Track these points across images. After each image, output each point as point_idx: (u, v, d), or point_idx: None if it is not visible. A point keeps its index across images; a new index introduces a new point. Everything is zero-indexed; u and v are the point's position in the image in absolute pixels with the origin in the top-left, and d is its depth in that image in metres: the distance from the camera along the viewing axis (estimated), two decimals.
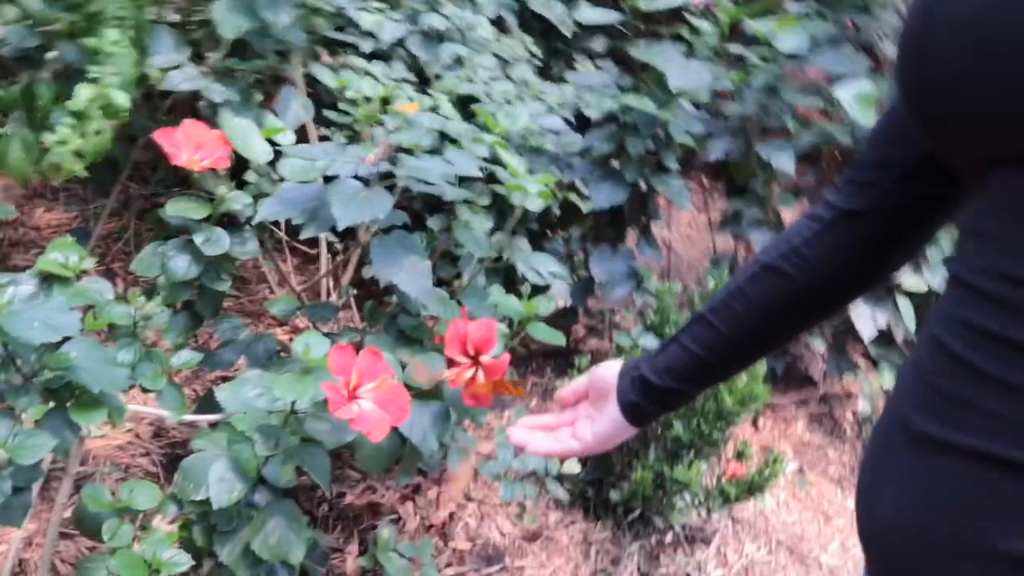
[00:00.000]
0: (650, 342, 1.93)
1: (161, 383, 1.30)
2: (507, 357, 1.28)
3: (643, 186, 1.98)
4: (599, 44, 3.32)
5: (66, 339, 1.08)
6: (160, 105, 1.97)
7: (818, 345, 2.25)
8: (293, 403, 1.13)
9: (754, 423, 2.30)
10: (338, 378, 1.05)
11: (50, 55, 1.57)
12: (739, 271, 0.87)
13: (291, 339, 2.29)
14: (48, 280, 1.29)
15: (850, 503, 2.13)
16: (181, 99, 2.06)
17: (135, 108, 1.78)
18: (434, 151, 1.69)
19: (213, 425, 1.38)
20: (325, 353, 1.12)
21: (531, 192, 1.42)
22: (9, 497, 1.00)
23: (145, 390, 1.29)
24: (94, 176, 1.96)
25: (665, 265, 2.88)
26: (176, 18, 1.94)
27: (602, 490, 1.91)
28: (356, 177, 1.43)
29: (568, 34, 3.17)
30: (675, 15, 2.44)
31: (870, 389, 2.28)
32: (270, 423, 1.15)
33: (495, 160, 1.93)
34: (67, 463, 1.38)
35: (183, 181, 2.27)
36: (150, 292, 1.49)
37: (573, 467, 1.64)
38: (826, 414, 2.46)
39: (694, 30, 2.20)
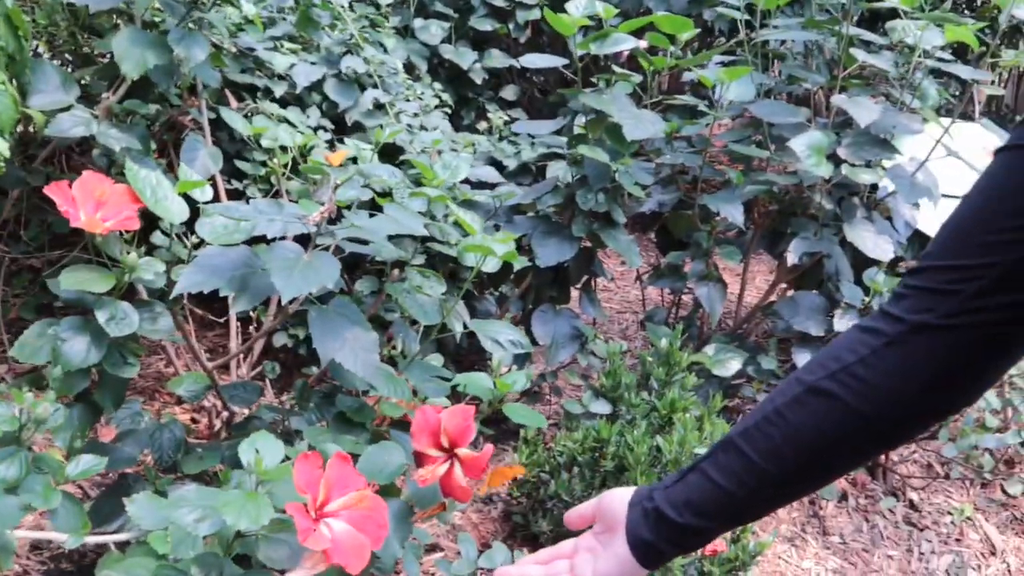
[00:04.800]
0: (602, 408, 1.78)
1: (55, 500, 1.04)
2: (489, 448, 1.10)
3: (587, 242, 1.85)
4: (510, 93, 3.22)
5: None
6: (36, 154, 1.70)
7: None
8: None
9: None
10: (304, 496, 0.84)
11: None
12: (776, 391, 0.73)
13: (192, 419, 2.02)
14: None
15: None
16: (60, 147, 1.79)
17: (8, 156, 1.51)
18: (367, 207, 1.51)
19: (121, 545, 1.13)
20: (279, 462, 0.91)
21: (497, 253, 1.25)
22: None
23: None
24: None
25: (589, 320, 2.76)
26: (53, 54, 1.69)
27: None
28: (284, 238, 1.22)
29: (479, 81, 3.05)
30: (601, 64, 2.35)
31: None
32: (209, 551, 0.92)
33: (430, 216, 1.76)
34: None
35: (60, 241, 1.98)
36: (33, 381, 1.22)
37: None
38: None
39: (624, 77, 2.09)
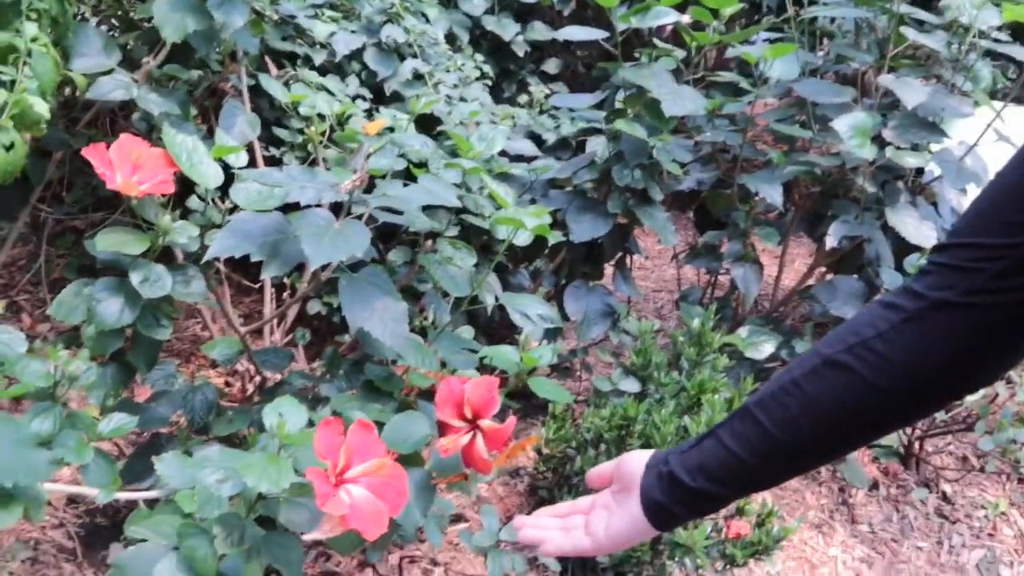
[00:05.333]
0: (631, 386, 1.78)
1: (87, 455, 1.07)
2: (513, 421, 1.10)
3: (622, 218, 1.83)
4: (552, 66, 3.19)
5: None
6: (79, 116, 1.72)
7: None
8: None
9: None
10: (325, 462, 0.85)
11: None
12: (795, 362, 0.73)
13: (226, 383, 2.05)
14: None
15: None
16: (103, 110, 1.82)
17: (51, 119, 1.53)
18: (402, 177, 1.51)
19: (150, 502, 1.15)
20: (303, 427, 0.92)
21: (528, 226, 1.25)
22: None
23: None
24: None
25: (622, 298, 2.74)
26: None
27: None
28: (319, 206, 1.23)
29: (520, 54, 3.03)
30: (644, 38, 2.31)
31: None
32: (232, 511, 0.93)
33: (465, 187, 1.75)
34: None
35: (103, 203, 2.02)
36: (70, 340, 1.25)
37: None
38: None
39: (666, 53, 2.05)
